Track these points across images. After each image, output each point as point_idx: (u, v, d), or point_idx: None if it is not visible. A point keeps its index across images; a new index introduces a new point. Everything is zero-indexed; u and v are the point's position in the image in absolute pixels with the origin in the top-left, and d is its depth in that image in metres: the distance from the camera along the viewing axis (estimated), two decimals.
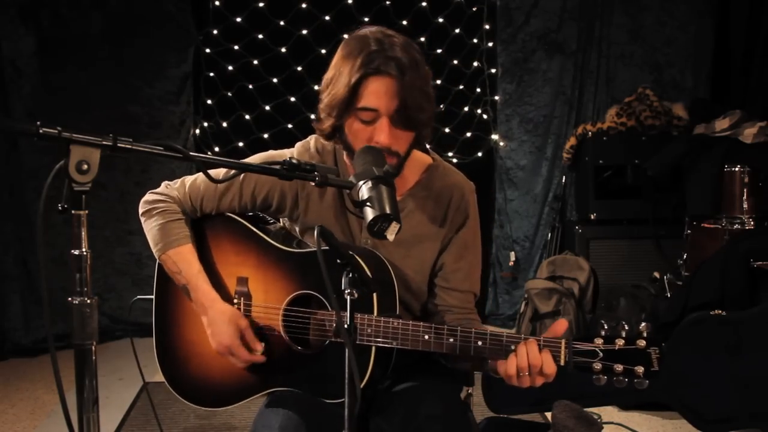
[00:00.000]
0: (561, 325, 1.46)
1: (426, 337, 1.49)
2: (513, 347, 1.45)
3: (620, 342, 1.40)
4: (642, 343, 1.39)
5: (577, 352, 1.42)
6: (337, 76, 1.55)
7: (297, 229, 1.76)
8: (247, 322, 1.65)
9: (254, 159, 1.72)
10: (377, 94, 1.51)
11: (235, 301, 1.70)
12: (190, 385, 1.75)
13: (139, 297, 1.87)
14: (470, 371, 1.86)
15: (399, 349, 1.54)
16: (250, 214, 1.79)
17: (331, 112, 1.57)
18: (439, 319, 1.73)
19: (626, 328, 1.41)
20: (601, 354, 1.40)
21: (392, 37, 1.56)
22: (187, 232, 1.72)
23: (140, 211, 1.77)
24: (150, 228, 1.73)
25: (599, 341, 1.40)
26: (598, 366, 1.40)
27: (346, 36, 1.63)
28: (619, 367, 1.39)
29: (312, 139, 1.77)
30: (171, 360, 1.77)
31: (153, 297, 1.79)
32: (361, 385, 1.48)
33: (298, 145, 1.78)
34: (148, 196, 1.77)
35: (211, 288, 1.67)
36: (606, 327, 1.42)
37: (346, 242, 1.71)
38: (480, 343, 1.47)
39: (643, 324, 1.40)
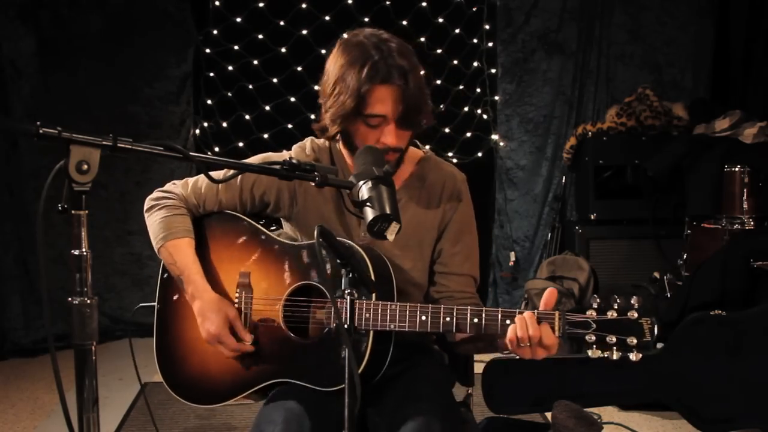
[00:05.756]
0: (551, 295, 1.48)
1: (423, 317, 1.52)
2: (508, 322, 1.47)
3: (612, 313, 1.42)
4: (634, 314, 1.41)
5: (570, 323, 1.44)
6: (341, 86, 1.60)
7: (296, 229, 1.79)
8: (236, 312, 1.68)
9: (252, 161, 1.74)
10: (384, 101, 1.59)
11: (237, 294, 1.71)
12: (188, 384, 1.75)
13: (142, 305, 1.87)
14: (472, 354, 1.89)
15: (397, 336, 1.57)
16: (253, 213, 1.81)
17: (336, 120, 1.63)
18: None
19: (618, 300, 1.43)
20: (593, 325, 1.42)
21: (388, 41, 1.63)
22: (188, 226, 1.75)
23: (145, 207, 1.80)
24: (152, 222, 1.76)
25: (592, 313, 1.43)
26: (591, 338, 1.41)
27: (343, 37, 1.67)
28: (612, 338, 1.40)
29: (308, 141, 1.82)
30: (170, 360, 1.77)
31: (155, 302, 1.80)
32: (359, 371, 1.50)
33: (295, 147, 1.82)
34: (154, 194, 1.80)
35: (204, 280, 1.70)
36: (599, 300, 1.44)
37: (342, 241, 1.72)
38: (476, 319, 1.50)
39: (635, 297, 1.43)
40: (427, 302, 1.79)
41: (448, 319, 1.51)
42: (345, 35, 1.68)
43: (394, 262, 1.70)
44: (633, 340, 1.40)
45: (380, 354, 1.58)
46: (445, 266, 1.78)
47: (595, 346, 1.41)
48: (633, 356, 1.40)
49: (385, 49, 1.60)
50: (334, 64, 1.64)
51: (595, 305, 1.44)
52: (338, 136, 1.69)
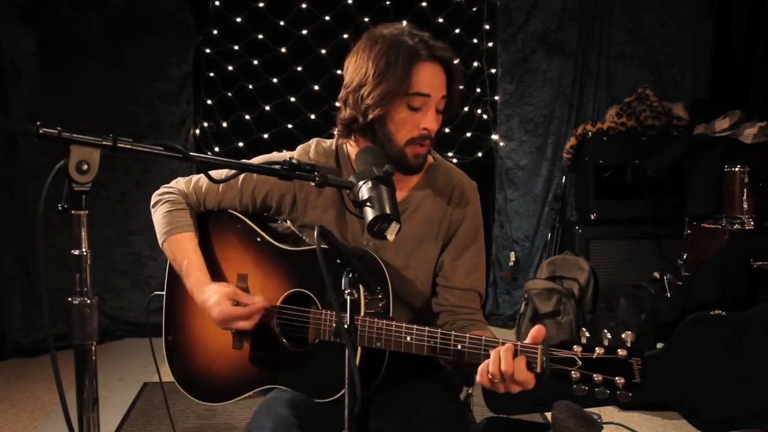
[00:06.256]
0: (539, 332, 1.38)
1: (408, 338, 1.47)
2: (490, 352, 1.39)
3: (600, 351, 1.31)
4: (623, 352, 1.30)
5: (554, 359, 1.34)
6: (382, 69, 1.56)
7: (298, 230, 1.78)
8: (231, 286, 1.66)
9: (255, 161, 1.73)
10: (430, 80, 1.59)
11: None
12: (196, 381, 1.76)
13: (157, 293, 1.87)
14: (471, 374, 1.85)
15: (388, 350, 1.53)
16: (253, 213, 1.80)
17: (380, 102, 1.57)
18: (442, 321, 1.72)
19: (609, 336, 1.33)
20: (579, 362, 1.32)
21: (416, 32, 1.62)
22: (189, 221, 1.75)
23: (151, 202, 1.81)
24: (156, 217, 1.78)
25: (578, 349, 1.33)
26: (576, 375, 1.32)
27: (347, 36, 1.65)
28: (598, 377, 1.31)
29: (313, 143, 1.79)
30: (178, 357, 1.78)
31: (163, 301, 1.81)
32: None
33: (299, 148, 1.80)
34: (160, 189, 1.82)
35: (202, 272, 1.69)
36: (588, 335, 1.35)
37: (342, 243, 1.71)
38: (459, 346, 1.43)
39: (627, 333, 1.33)
40: (430, 314, 1.76)
41: (431, 343, 1.45)
42: (369, 31, 1.65)
43: (398, 273, 1.67)
44: (621, 380, 1.29)
45: (373, 359, 1.55)
46: (446, 279, 1.71)
47: (581, 383, 1.32)
48: (622, 398, 1.30)
49: (418, 36, 1.60)
50: (368, 52, 1.60)
51: (583, 340, 1.34)
52: (353, 136, 1.65)
